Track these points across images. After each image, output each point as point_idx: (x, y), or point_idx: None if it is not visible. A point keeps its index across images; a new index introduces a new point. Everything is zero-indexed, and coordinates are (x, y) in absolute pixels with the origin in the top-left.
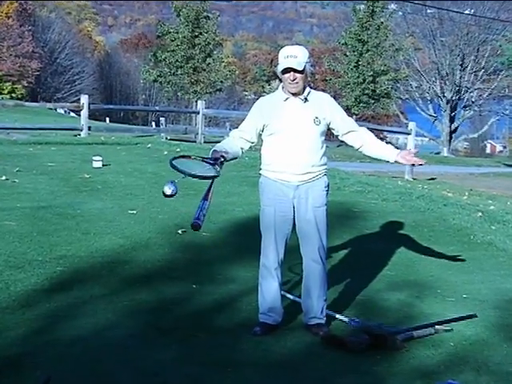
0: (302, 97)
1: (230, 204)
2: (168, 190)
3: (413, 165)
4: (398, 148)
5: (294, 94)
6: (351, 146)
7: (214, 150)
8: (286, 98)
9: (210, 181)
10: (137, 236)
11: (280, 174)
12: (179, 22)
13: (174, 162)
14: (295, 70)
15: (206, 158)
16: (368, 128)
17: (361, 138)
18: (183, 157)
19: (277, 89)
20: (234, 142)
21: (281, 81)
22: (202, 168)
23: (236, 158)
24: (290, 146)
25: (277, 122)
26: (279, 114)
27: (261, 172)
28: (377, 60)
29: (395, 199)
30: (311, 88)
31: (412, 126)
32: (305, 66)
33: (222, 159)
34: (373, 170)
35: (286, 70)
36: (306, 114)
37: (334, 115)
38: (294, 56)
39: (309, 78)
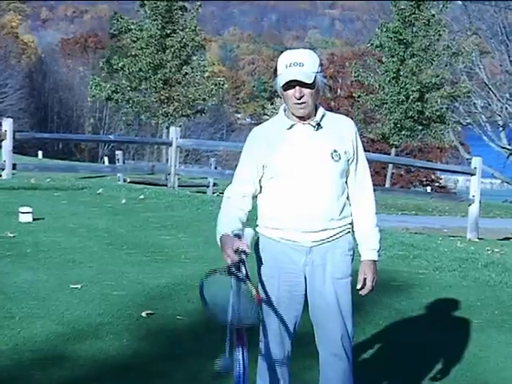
0: (313, 122)
1: None
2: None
3: (361, 288)
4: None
5: (302, 119)
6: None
7: (224, 236)
8: (291, 125)
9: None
10: (82, 321)
11: (286, 232)
12: (144, 14)
13: (204, 293)
14: (302, 84)
15: (230, 267)
16: (413, 166)
17: (356, 205)
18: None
19: (277, 112)
20: (238, 211)
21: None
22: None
23: None
24: (298, 192)
25: (279, 159)
26: (282, 148)
27: (258, 230)
28: (426, 69)
29: (453, 268)
30: (327, 109)
31: (477, 162)
32: (315, 78)
33: (244, 257)
34: (420, 225)
35: (289, 85)
36: (320, 147)
37: (356, 151)
38: (298, 64)
39: (322, 94)
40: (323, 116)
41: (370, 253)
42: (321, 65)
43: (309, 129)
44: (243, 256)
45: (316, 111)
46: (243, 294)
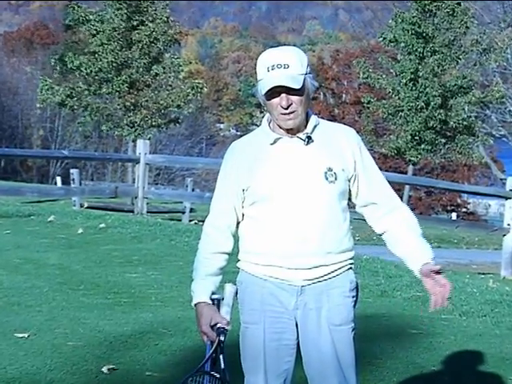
0: (303, 134)
1: (191, 321)
2: None
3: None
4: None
5: (291, 131)
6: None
7: (201, 306)
8: (276, 139)
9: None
10: (29, 377)
11: (273, 269)
12: (105, 2)
13: None
14: (289, 90)
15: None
16: (435, 187)
17: (388, 218)
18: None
19: (259, 124)
20: (218, 258)
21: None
22: None
23: None
24: (285, 222)
25: (259, 182)
26: (263, 168)
27: (240, 265)
28: (450, 69)
29: (483, 313)
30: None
31: None
32: (304, 81)
33: (223, 338)
34: (443, 260)
35: (274, 92)
36: (311, 165)
37: (360, 166)
38: (283, 65)
39: (324, 101)
40: (316, 126)
41: (419, 258)
42: (310, 64)
43: (297, 143)
44: (222, 337)
45: (307, 121)
46: None
